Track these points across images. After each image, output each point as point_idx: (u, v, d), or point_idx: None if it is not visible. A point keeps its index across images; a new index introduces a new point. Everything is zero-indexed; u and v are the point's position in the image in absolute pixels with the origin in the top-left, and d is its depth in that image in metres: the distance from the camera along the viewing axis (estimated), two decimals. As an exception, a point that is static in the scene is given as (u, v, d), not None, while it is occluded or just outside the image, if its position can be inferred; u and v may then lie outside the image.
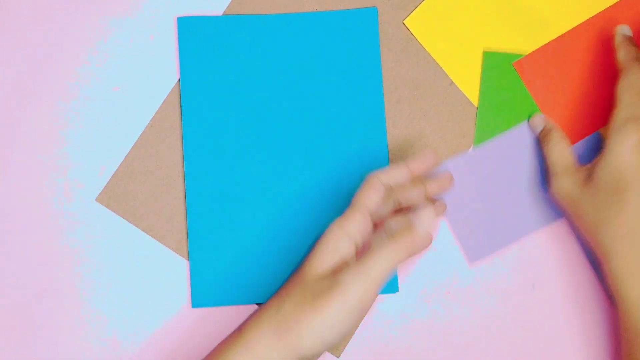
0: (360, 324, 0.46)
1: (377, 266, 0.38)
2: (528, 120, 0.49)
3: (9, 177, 0.47)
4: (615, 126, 0.42)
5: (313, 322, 0.37)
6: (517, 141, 0.49)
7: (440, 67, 0.49)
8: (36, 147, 0.47)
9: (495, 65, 0.49)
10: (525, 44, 0.49)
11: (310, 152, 0.48)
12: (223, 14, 0.49)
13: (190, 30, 0.48)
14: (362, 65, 0.48)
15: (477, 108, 0.48)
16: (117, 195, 0.47)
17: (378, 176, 0.42)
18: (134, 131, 0.48)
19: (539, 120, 0.48)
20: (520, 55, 0.49)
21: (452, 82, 0.49)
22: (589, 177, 0.43)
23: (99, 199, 0.47)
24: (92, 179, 0.47)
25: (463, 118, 0.48)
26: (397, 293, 0.47)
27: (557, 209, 0.47)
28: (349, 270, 0.38)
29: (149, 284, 0.46)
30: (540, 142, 0.48)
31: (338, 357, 0.46)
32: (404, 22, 0.49)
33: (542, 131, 0.48)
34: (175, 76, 0.48)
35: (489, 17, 0.49)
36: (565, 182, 0.44)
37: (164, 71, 0.48)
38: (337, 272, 0.39)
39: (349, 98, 0.48)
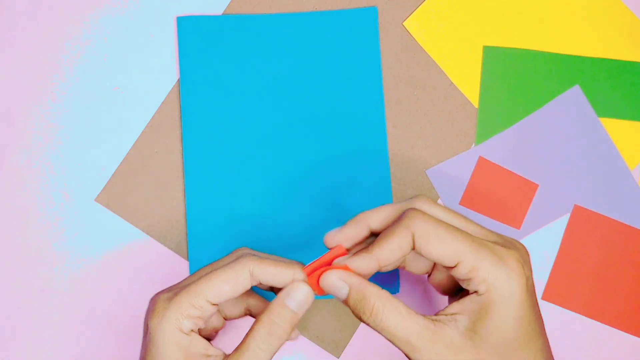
0: (361, 324, 0.46)
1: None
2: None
3: (8, 176, 0.47)
4: (485, 265, 0.32)
5: None
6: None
7: (440, 67, 0.49)
8: (35, 146, 0.47)
9: (495, 59, 0.49)
10: (523, 45, 0.49)
11: (310, 152, 0.47)
12: (222, 14, 0.49)
13: (190, 29, 0.48)
14: (362, 65, 0.48)
15: (478, 105, 0.48)
16: (116, 195, 0.47)
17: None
18: (134, 131, 0.48)
19: (339, 283, 0.34)
20: (520, 50, 0.49)
21: (452, 82, 0.49)
22: (469, 335, 0.32)
23: (98, 199, 0.47)
24: (91, 179, 0.47)
25: (463, 118, 0.48)
26: (397, 294, 0.47)
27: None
28: None
29: (149, 284, 0.46)
30: (355, 313, 0.34)
31: (338, 358, 0.46)
32: (403, 24, 0.49)
33: (350, 299, 0.34)
34: (175, 76, 0.48)
35: (488, 19, 0.49)
36: (431, 354, 0.32)
37: (163, 71, 0.48)
38: None
39: (349, 98, 0.48)
